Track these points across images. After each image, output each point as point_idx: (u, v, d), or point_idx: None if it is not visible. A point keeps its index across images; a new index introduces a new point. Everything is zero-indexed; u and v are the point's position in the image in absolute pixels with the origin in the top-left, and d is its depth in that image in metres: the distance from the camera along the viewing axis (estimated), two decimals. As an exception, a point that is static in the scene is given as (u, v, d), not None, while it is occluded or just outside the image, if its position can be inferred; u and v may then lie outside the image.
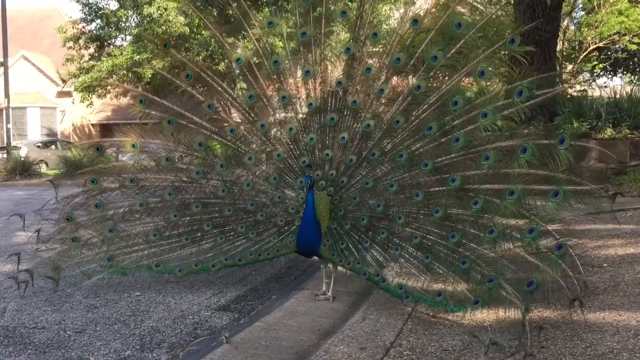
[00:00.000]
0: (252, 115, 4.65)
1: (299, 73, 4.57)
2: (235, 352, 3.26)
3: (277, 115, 4.68)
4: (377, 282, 4.06)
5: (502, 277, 3.56)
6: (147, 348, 3.52)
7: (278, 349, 3.37)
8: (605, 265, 4.65)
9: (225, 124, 4.71)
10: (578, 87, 18.63)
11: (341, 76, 4.46)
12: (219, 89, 4.66)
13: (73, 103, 36.35)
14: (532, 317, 3.51)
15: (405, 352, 3.23)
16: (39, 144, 27.84)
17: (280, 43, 4.82)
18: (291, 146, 4.56)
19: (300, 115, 4.64)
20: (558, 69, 16.06)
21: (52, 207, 4.59)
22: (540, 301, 3.58)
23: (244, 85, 4.82)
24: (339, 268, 4.39)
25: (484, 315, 3.74)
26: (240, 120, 4.77)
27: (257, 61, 4.65)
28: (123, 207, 4.59)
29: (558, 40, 13.92)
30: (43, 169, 22.62)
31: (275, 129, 4.68)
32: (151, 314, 4.17)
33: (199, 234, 4.60)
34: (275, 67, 4.54)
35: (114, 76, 25.75)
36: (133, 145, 4.61)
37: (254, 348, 3.34)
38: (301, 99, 4.61)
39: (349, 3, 6.10)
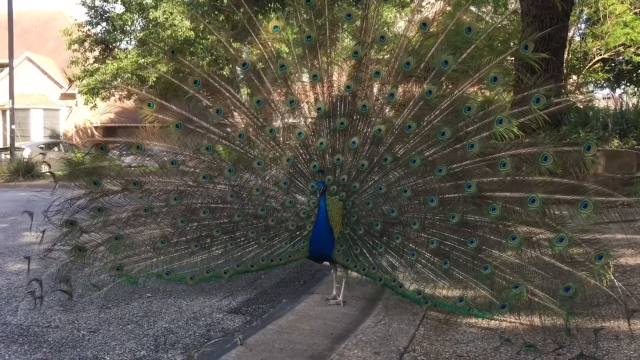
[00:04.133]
0: (261, 120, 4.59)
1: (307, 77, 4.53)
2: (250, 354, 3.27)
3: (286, 120, 4.65)
4: (394, 287, 4.05)
5: (530, 283, 3.55)
6: (162, 348, 3.52)
7: (292, 351, 3.37)
8: (616, 274, 4.64)
9: (234, 129, 4.64)
10: (581, 97, 18.66)
11: (350, 80, 4.41)
12: (227, 94, 4.59)
13: (77, 105, 36.39)
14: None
15: (419, 358, 3.23)
16: (42, 146, 27.80)
17: (287, 47, 4.77)
18: (301, 151, 4.51)
19: (310, 120, 4.60)
20: (563, 79, 16.09)
21: (56, 209, 4.46)
22: (582, 307, 3.57)
23: (247, 90, 4.77)
24: (351, 273, 4.38)
25: (497, 322, 3.74)
26: (248, 125, 4.71)
27: (263, 66, 4.60)
28: (126, 212, 4.48)
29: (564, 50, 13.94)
30: (45, 170, 22.60)
31: (284, 134, 4.63)
32: (163, 315, 4.18)
33: (208, 240, 4.50)
34: (282, 71, 4.48)
35: (119, 79, 25.88)
36: (138, 147, 4.51)
37: (269, 350, 3.35)
38: (310, 104, 4.56)
39: (353, 7, 6.08)
